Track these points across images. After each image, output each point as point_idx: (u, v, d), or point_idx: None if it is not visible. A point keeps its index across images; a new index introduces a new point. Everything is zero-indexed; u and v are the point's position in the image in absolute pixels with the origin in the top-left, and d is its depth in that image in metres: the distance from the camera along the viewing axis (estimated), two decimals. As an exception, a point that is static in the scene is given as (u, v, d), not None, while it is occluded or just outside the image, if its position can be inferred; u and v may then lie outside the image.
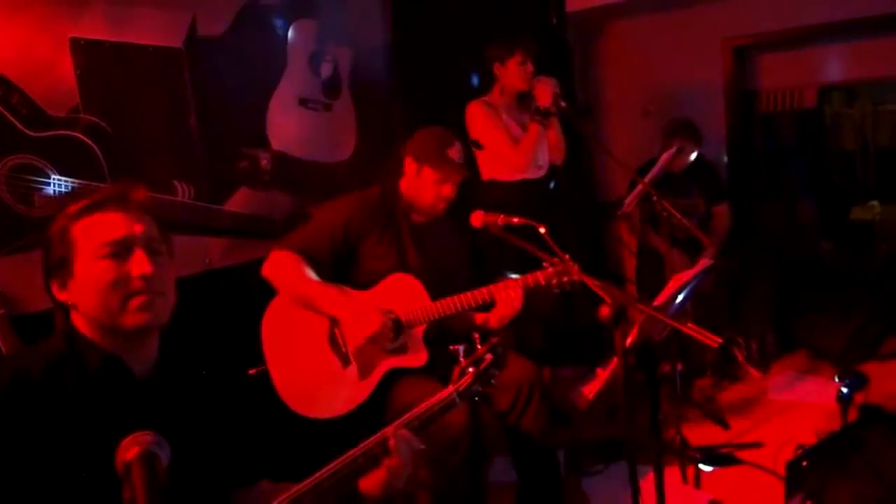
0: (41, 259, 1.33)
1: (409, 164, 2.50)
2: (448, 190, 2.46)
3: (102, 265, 1.26)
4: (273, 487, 1.49)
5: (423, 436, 1.50)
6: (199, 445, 1.34)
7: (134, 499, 0.88)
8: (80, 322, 1.30)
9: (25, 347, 1.32)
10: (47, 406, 1.16)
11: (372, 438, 1.42)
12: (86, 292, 1.27)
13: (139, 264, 1.27)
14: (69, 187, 2.37)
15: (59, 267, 1.29)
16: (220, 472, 1.41)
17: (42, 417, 1.14)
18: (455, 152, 2.44)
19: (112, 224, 1.29)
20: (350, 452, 1.39)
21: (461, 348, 1.75)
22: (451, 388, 1.59)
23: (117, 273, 1.26)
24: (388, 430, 1.44)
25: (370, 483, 1.41)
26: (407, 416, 1.50)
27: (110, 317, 1.26)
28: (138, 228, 1.31)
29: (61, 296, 1.30)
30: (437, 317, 2.34)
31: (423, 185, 2.47)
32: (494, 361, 1.65)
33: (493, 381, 1.64)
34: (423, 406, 1.53)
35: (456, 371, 1.63)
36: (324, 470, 1.35)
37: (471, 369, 1.62)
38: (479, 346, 1.69)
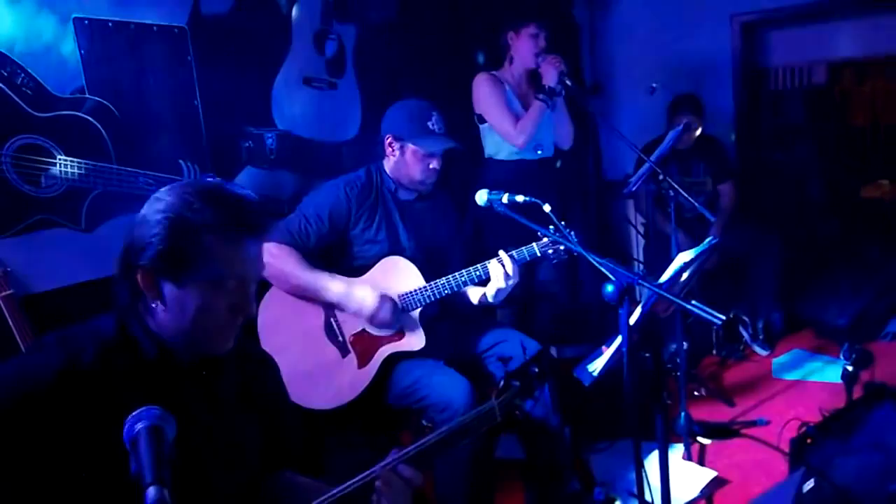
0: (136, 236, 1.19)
1: (391, 144, 2.44)
2: (436, 163, 2.42)
3: (220, 294, 1.20)
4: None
5: (447, 451, 1.41)
6: (237, 429, 1.33)
7: (140, 472, 0.89)
8: (147, 311, 1.23)
9: (73, 329, 1.23)
10: (98, 391, 1.13)
11: (359, 477, 1.32)
12: (185, 307, 1.19)
13: (250, 305, 1.24)
14: (76, 167, 2.37)
15: (169, 262, 1.17)
16: (261, 455, 1.39)
17: (92, 402, 1.12)
18: (435, 123, 2.39)
19: (250, 258, 1.23)
20: (338, 489, 1.30)
21: (508, 359, 1.69)
22: (493, 399, 1.51)
23: (228, 307, 1.22)
24: (378, 469, 1.33)
25: None
26: (412, 447, 1.38)
27: (193, 336, 1.22)
28: (262, 267, 1.27)
29: (149, 287, 1.19)
30: (432, 298, 2.34)
31: (409, 163, 2.42)
32: (539, 374, 1.56)
33: (536, 392, 1.56)
34: (458, 421, 1.45)
35: (500, 384, 1.54)
36: None
37: (515, 382, 1.54)
38: (525, 357, 1.62)
